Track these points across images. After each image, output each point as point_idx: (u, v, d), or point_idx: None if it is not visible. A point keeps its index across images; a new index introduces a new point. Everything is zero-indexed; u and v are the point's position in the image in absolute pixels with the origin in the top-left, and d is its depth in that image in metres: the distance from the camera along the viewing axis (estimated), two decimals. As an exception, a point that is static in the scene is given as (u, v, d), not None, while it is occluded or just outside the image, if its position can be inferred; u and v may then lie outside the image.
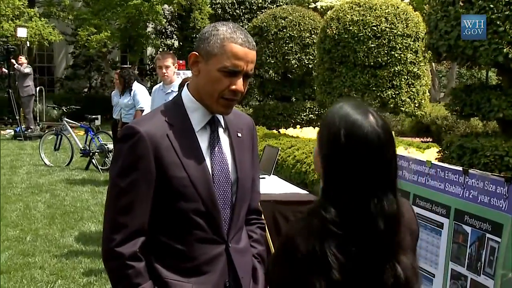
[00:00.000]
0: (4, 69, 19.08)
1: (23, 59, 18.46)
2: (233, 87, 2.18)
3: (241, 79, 2.20)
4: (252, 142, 2.46)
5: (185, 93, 2.30)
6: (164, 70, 6.97)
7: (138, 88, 9.45)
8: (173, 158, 2.14)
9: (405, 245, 1.89)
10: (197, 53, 2.21)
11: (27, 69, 18.07)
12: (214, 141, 2.28)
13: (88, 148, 12.77)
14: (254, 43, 2.24)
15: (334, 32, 12.00)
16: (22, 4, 21.90)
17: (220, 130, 2.33)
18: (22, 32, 20.21)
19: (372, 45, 11.57)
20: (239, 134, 2.38)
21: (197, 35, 24.69)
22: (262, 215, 2.65)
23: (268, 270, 1.98)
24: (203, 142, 2.25)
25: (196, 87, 2.26)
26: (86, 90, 28.93)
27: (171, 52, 13.19)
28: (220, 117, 2.33)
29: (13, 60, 18.22)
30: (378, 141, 1.79)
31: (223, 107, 2.23)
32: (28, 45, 22.35)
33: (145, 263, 2.16)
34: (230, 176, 2.28)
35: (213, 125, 2.29)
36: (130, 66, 23.85)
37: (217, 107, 2.23)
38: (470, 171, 3.13)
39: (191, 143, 2.20)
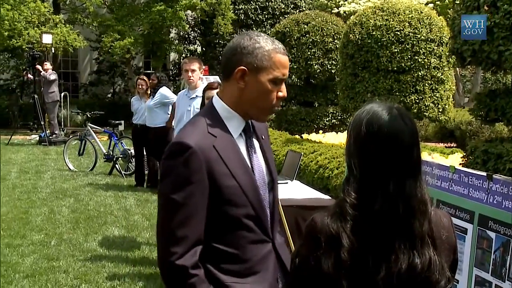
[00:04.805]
0: (29, 75, 19.30)
1: (48, 65, 18.64)
2: (281, 94, 2.33)
3: (284, 84, 2.34)
4: (270, 144, 2.58)
5: (218, 102, 2.36)
6: (190, 74, 7.01)
7: (164, 89, 9.98)
8: (222, 169, 2.21)
9: (439, 244, 1.92)
10: (245, 68, 2.27)
11: (53, 76, 18.24)
12: (250, 147, 2.38)
13: (111, 153, 12.87)
14: None
15: (357, 37, 11.96)
16: (48, 11, 22.18)
17: (252, 136, 2.42)
18: (47, 39, 20.46)
19: (396, 50, 11.51)
20: (263, 137, 2.48)
21: (220, 41, 24.80)
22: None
23: (292, 255, 2.05)
24: (242, 148, 2.34)
25: (238, 98, 2.32)
26: (109, 95, 29.17)
27: (197, 57, 13.35)
28: (250, 123, 2.43)
29: (38, 66, 18.41)
30: (397, 129, 1.88)
31: (268, 115, 2.42)
32: (53, 51, 22.61)
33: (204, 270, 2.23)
34: (266, 177, 2.39)
35: (248, 132, 2.39)
36: (154, 71, 23.97)
37: (263, 116, 2.39)
38: (494, 176, 3.10)
39: (235, 152, 2.29)
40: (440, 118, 12.11)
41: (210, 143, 2.21)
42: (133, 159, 11.91)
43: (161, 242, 2.24)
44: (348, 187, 1.89)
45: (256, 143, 2.42)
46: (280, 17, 24.01)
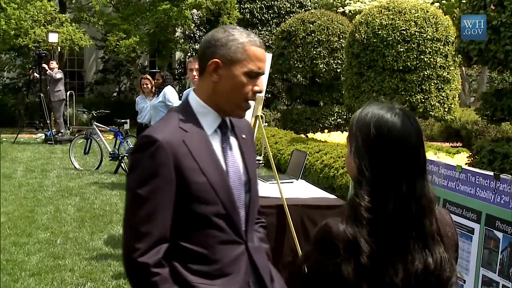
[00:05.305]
0: (35, 74, 19.33)
1: (54, 64, 18.66)
2: (257, 88, 2.25)
3: (261, 79, 2.26)
4: (252, 144, 2.51)
5: (193, 98, 2.31)
6: (194, 73, 7.00)
7: (169, 89, 9.86)
8: (191, 164, 2.15)
9: (446, 241, 1.93)
10: (218, 60, 2.22)
11: (59, 75, 18.26)
12: (226, 144, 2.31)
13: (117, 152, 12.86)
14: None
15: (363, 36, 11.95)
16: (54, 10, 22.23)
17: (229, 133, 2.35)
18: (53, 37, 20.49)
19: (401, 49, 11.50)
20: (244, 136, 2.41)
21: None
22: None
23: (300, 260, 2.02)
24: (216, 145, 2.27)
25: (212, 92, 2.27)
26: (115, 94, 29.20)
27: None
28: (227, 120, 2.36)
29: (44, 65, 18.43)
30: (406, 130, 1.88)
31: (244, 110, 2.30)
32: (59, 50, 22.65)
33: (169, 269, 2.16)
34: (242, 177, 2.32)
35: (224, 128, 2.32)
36: (160, 70, 24.00)
37: (238, 111, 2.30)
38: (502, 176, 3.09)
39: (206, 148, 2.23)
40: (446, 117, 12.09)
41: (180, 137, 2.16)
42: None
43: (125, 237, 2.18)
44: (360, 190, 1.88)
45: (233, 141, 2.35)
46: (286, 16, 24.01)
